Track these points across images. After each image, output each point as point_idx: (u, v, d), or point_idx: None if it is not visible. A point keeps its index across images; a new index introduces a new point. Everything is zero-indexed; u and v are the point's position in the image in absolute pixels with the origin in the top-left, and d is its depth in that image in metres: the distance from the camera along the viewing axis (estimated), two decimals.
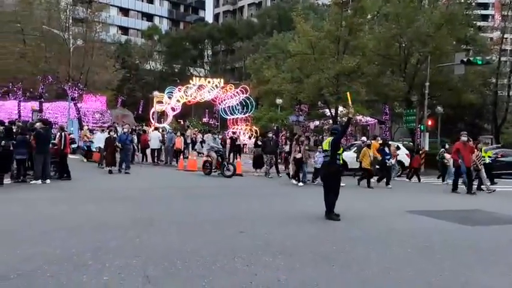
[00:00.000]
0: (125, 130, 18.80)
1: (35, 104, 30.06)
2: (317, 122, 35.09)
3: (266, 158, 18.13)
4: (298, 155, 15.29)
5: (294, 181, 15.57)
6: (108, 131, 19.48)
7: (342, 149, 8.53)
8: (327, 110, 28.64)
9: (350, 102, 8.68)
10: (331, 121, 27.59)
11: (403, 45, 26.68)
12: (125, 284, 4.63)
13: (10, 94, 33.77)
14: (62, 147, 12.80)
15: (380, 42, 26.23)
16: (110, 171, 16.91)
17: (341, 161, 8.50)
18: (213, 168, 17.43)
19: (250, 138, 27.59)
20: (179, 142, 21.99)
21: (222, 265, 5.48)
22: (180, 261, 5.54)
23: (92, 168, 19.00)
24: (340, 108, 28.76)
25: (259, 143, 19.57)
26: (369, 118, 34.22)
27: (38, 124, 12.35)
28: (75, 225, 7.47)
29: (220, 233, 7.30)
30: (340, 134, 8.67)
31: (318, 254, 6.25)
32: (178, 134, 23.08)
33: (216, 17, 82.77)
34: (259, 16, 63.61)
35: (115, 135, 17.99)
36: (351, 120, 9.11)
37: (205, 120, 49.37)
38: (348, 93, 8.70)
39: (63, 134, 13.17)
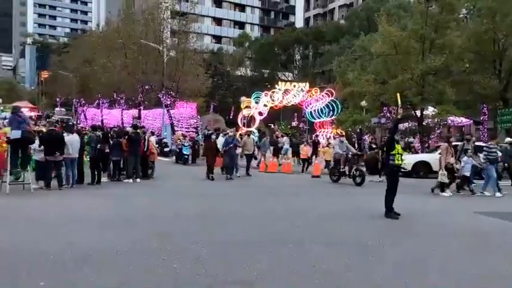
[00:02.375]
0: (231, 134, 17.45)
1: (135, 111, 33.19)
2: (406, 124, 34.00)
3: None
4: (452, 160, 12.88)
5: (445, 193, 12.76)
6: (222, 133, 18.84)
7: (396, 149, 8.60)
8: (413, 112, 27.69)
9: (399, 103, 8.76)
10: (417, 123, 26.68)
11: (498, 40, 24.96)
12: (177, 263, 5.43)
13: (116, 103, 37.75)
14: (145, 149, 14.29)
15: (470, 38, 24.84)
16: (212, 178, 15.51)
17: (398, 161, 8.58)
18: (341, 174, 15.68)
19: (328, 140, 27.64)
20: (306, 150, 21.43)
21: (268, 252, 6.08)
22: (232, 248, 6.26)
23: (181, 169, 20.47)
24: (431, 109, 27.70)
25: (374, 145, 18.39)
26: (463, 119, 32.37)
27: (129, 128, 13.96)
28: (153, 216, 8.58)
29: (278, 226, 7.90)
30: (390, 134, 8.80)
31: (363, 246, 6.57)
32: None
33: (307, 21, 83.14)
34: (347, 18, 62.95)
35: (216, 139, 17.42)
36: (399, 121, 9.12)
37: (294, 124, 49.95)
38: (397, 94, 8.80)
39: (146, 137, 14.70)
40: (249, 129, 33.73)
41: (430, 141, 25.84)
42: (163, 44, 32.39)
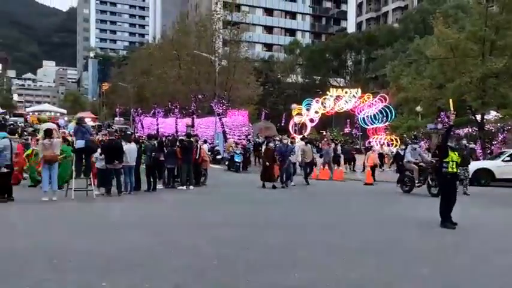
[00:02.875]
0: (284, 141, 17.03)
1: (188, 120, 34.16)
2: (465, 130, 32.61)
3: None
4: None
5: None
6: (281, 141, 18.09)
7: (450, 156, 8.31)
8: (473, 117, 26.54)
9: (452, 109, 8.47)
10: (477, 129, 25.50)
11: None
12: (229, 268, 5.59)
13: (170, 112, 39.10)
14: (197, 157, 14.70)
15: None
16: (264, 186, 15.25)
17: (451, 169, 8.29)
18: (416, 184, 14.22)
19: (382, 146, 26.99)
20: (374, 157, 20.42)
21: (315, 261, 6.11)
22: (278, 255, 6.37)
23: (233, 177, 20.75)
24: (493, 113, 26.47)
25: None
26: None
27: (182, 137, 14.42)
28: (205, 222, 8.87)
29: (324, 235, 7.91)
30: (443, 141, 8.54)
31: (415, 257, 6.44)
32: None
33: (359, 25, 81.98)
34: (401, 21, 61.48)
35: (274, 146, 16.70)
36: (452, 127, 8.80)
37: (346, 130, 49.29)
38: (450, 100, 8.55)
39: (198, 145, 15.13)
40: (300, 136, 33.74)
41: (492, 148, 24.65)
42: (216, 54, 33.19)
